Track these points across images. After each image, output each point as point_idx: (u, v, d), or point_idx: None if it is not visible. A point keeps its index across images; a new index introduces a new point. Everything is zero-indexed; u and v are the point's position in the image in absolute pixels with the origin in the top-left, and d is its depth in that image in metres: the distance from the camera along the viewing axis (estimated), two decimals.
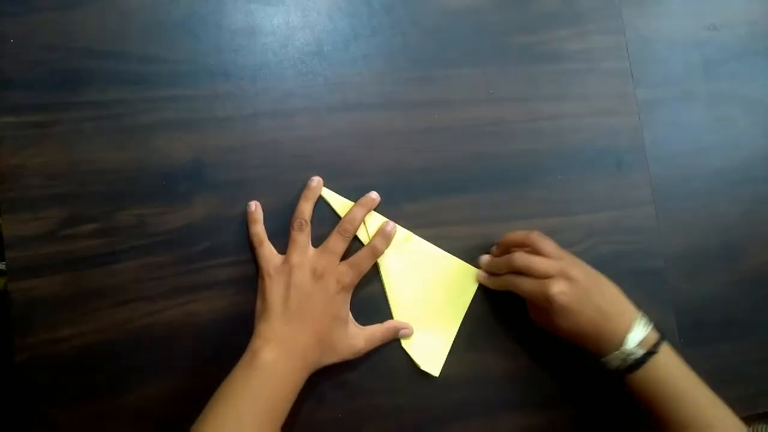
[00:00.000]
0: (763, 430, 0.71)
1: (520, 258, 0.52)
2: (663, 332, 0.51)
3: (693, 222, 0.65)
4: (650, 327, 0.51)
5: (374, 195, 0.56)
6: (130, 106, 0.54)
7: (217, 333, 0.53)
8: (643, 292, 0.61)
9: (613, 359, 0.50)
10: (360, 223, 0.55)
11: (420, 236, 0.58)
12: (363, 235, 0.56)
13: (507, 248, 0.56)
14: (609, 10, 0.65)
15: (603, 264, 0.60)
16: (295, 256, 0.52)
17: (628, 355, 0.49)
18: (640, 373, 0.49)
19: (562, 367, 0.58)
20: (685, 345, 0.62)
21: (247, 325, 0.52)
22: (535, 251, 0.53)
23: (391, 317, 0.56)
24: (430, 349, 0.56)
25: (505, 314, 0.58)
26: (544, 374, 0.58)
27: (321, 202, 0.56)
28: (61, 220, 0.52)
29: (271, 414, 0.47)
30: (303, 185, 0.56)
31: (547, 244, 0.53)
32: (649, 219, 0.63)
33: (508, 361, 0.58)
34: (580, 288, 0.50)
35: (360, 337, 0.53)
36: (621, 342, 0.50)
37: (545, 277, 0.51)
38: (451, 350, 0.56)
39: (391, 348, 0.56)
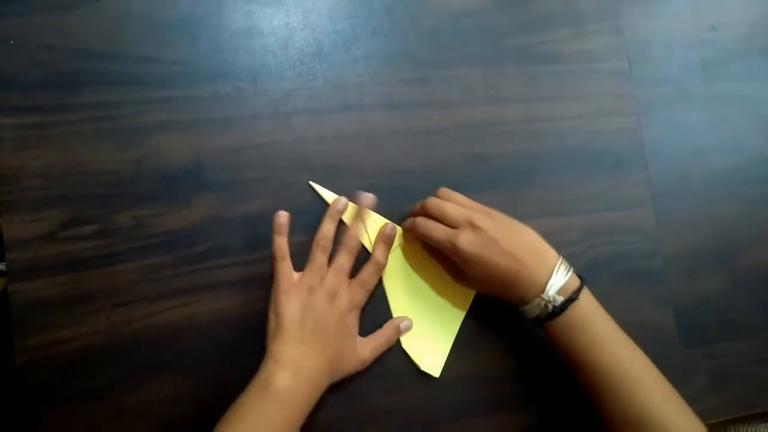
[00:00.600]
0: (763, 430, 0.71)
1: (433, 202, 0.53)
2: (583, 278, 0.51)
3: (692, 222, 0.65)
4: (570, 272, 0.50)
5: (367, 197, 0.56)
6: (129, 107, 0.54)
7: (217, 334, 0.53)
8: (641, 292, 0.62)
9: (534, 307, 0.50)
10: (363, 234, 0.55)
11: None
12: (364, 239, 0.56)
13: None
14: (608, 10, 0.65)
15: (602, 264, 0.61)
16: (313, 276, 0.52)
17: (548, 302, 0.49)
18: (561, 320, 0.49)
19: (562, 367, 0.58)
20: (683, 344, 0.62)
21: (247, 326, 0.52)
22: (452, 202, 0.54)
23: (392, 317, 0.56)
24: (430, 349, 0.56)
25: (505, 315, 0.58)
26: (545, 374, 0.58)
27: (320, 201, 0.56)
28: (61, 222, 0.52)
29: None
30: (303, 186, 0.56)
31: (458, 196, 0.54)
32: (648, 219, 0.63)
33: (509, 362, 0.58)
34: (487, 237, 0.50)
35: (365, 348, 0.53)
36: (541, 289, 0.49)
37: (454, 225, 0.51)
38: (451, 350, 0.56)
39: (391, 348, 0.56)
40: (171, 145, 0.54)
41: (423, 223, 0.53)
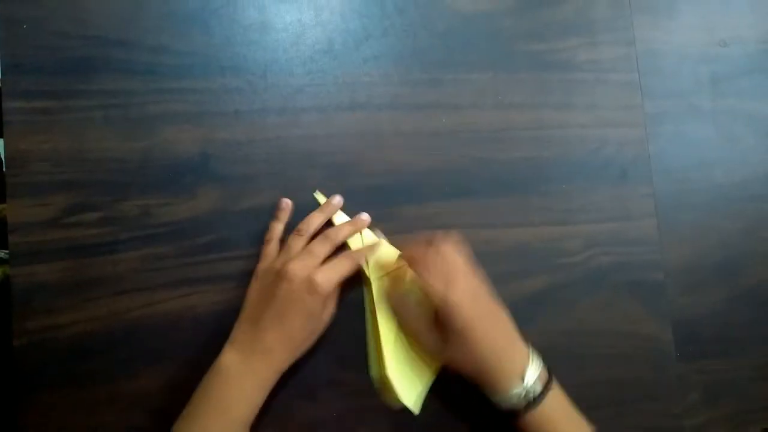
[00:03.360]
0: None
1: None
2: (549, 365, 0.50)
3: (694, 236, 0.65)
4: (541, 359, 0.49)
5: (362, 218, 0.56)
6: (139, 96, 0.54)
7: (216, 327, 0.53)
8: (641, 304, 0.62)
9: (512, 397, 0.47)
10: (346, 233, 0.54)
11: None
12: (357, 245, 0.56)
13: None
14: (620, 21, 0.65)
15: (602, 274, 0.61)
16: (281, 260, 0.51)
17: (527, 392, 0.46)
18: (537, 411, 0.47)
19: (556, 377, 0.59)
20: (680, 359, 0.62)
21: None
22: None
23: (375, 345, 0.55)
24: (411, 384, 0.54)
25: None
26: None
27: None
28: (66, 207, 0.52)
29: (234, 416, 0.47)
30: (308, 182, 0.56)
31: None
32: (651, 231, 0.63)
33: None
34: (485, 305, 0.49)
35: (325, 315, 0.52)
36: (520, 376, 0.47)
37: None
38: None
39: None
40: (179, 136, 0.55)
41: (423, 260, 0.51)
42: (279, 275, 0.49)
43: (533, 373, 0.47)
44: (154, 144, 0.54)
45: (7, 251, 0.52)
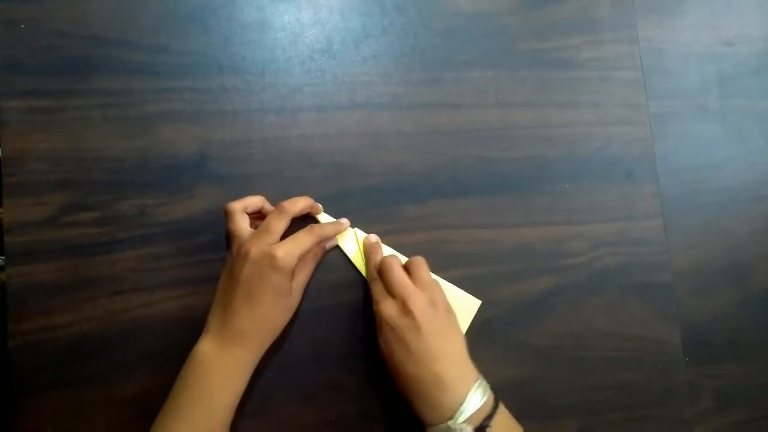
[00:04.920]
0: None
1: (385, 264, 0.51)
2: (498, 395, 0.47)
3: (702, 238, 0.64)
4: (486, 395, 0.46)
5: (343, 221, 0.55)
6: (137, 95, 0.54)
7: None
8: (648, 305, 0.60)
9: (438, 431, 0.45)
10: (329, 230, 0.53)
11: (421, 239, 0.57)
12: (352, 248, 0.55)
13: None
14: (624, 19, 0.64)
15: (608, 275, 0.60)
16: (244, 241, 0.48)
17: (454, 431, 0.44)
18: None
19: (562, 379, 0.57)
20: (689, 363, 0.61)
21: None
22: (411, 272, 0.51)
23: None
24: None
25: (502, 331, 0.57)
26: (545, 387, 0.57)
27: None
28: (63, 207, 0.52)
29: (212, 405, 0.46)
30: (307, 182, 0.56)
31: (423, 271, 0.51)
32: (657, 232, 0.62)
33: (507, 370, 0.57)
34: (410, 322, 0.46)
35: (296, 291, 0.51)
36: (449, 414, 0.45)
37: (391, 294, 0.48)
38: None
39: None
40: (177, 135, 0.54)
41: (371, 272, 0.52)
42: (240, 256, 0.47)
43: (468, 410, 0.45)
44: (151, 143, 0.54)
45: (3, 257, 0.51)
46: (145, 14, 0.55)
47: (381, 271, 0.51)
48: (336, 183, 0.56)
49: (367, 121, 0.58)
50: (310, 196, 0.55)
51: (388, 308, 0.47)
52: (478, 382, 0.47)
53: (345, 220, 0.55)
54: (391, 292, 0.49)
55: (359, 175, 0.57)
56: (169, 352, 0.52)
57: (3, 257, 0.52)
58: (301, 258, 0.48)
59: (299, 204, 0.51)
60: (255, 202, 0.52)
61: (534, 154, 0.60)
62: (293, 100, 0.56)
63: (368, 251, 0.54)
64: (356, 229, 0.56)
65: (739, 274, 0.64)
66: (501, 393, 0.55)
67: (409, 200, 0.57)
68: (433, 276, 0.53)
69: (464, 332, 0.54)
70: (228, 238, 0.50)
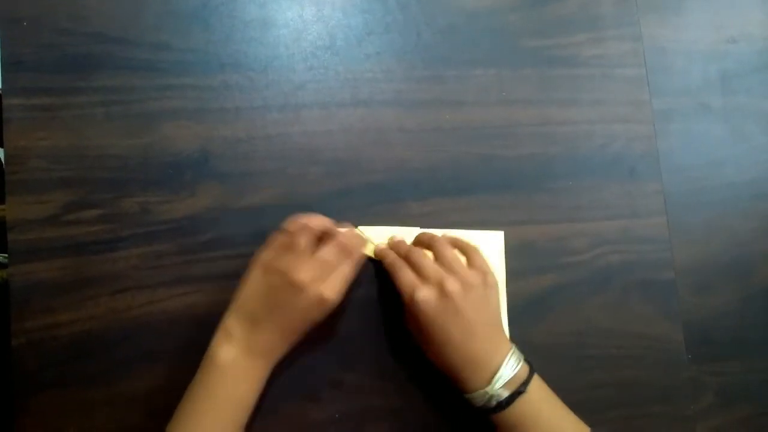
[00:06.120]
0: None
1: (416, 254, 0.50)
2: (532, 365, 0.49)
3: (705, 235, 0.64)
4: (521, 363, 0.48)
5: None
6: (139, 93, 0.54)
7: (216, 325, 0.52)
8: (651, 303, 0.60)
9: (477, 398, 0.47)
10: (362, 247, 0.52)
11: None
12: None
13: (422, 245, 0.53)
14: (627, 17, 0.64)
15: (611, 273, 0.60)
16: (289, 262, 0.47)
17: (492, 396, 0.46)
18: (506, 413, 0.47)
19: (564, 377, 0.57)
20: (693, 361, 0.61)
21: None
22: (437, 255, 0.51)
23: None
24: None
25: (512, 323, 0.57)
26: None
27: None
28: (65, 205, 0.52)
29: (233, 414, 0.46)
30: (309, 179, 0.56)
31: (448, 250, 0.51)
32: (661, 229, 0.62)
33: None
34: (450, 304, 0.47)
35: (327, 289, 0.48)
36: (487, 380, 0.47)
37: (426, 279, 0.48)
38: None
39: (390, 348, 0.55)
40: (179, 133, 0.54)
41: (395, 262, 0.51)
42: (289, 283, 0.46)
43: (504, 377, 0.47)
44: (154, 141, 0.54)
45: (6, 255, 0.51)
46: (147, 12, 0.55)
47: (412, 259, 0.50)
48: (339, 180, 0.56)
49: (370, 118, 0.58)
50: (313, 193, 0.55)
51: (425, 294, 0.47)
52: (512, 350, 0.48)
53: (349, 225, 0.54)
54: (425, 276, 0.49)
55: (362, 171, 0.57)
56: (172, 351, 0.52)
57: (5, 255, 0.51)
58: None
59: (362, 246, 0.51)
60: (323, 223, 0.50)
61: (536, 151, 0.60)
62: (296, 97, 0.56)
63: (392, 245, 0.54)
64: (360, 227, 0.56)
65: (741, 271, 0.64)
66: None
67: (411, 197, 0.57)
68: (447, 231, 0.55)
69: (503, 266, 0.57)
70: (277, 245, 0.48)
